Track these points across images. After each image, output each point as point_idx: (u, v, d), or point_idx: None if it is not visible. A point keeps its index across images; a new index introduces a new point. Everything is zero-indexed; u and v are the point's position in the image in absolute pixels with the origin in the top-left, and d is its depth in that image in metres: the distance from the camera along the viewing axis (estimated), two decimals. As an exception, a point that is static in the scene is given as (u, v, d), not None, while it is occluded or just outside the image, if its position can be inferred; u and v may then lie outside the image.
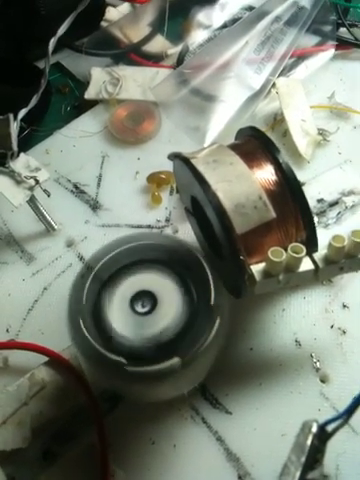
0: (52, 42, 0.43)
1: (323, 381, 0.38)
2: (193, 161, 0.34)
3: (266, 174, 0.33)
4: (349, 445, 0.35)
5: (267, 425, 0.37)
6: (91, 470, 0.35)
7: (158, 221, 0.46)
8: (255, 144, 0.35)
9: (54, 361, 0.38)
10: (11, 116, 0.40)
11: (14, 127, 0.40)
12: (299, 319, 0.40)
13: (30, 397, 0.37)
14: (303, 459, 0.22)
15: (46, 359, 0.39)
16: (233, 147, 0.35)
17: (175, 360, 0.30)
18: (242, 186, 0.32)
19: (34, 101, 0.42)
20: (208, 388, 0.38)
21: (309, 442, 0.22)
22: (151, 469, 0.36)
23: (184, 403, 0.37)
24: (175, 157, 0.36)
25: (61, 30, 0.43)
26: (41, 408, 0.37)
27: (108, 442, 0.36)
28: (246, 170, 0.33)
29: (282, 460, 0.35)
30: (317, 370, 0.38)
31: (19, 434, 0.36)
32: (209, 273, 0.32)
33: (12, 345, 0.40)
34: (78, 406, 0.37)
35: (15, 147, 0.40)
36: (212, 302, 0.31)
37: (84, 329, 0.31)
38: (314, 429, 0.23)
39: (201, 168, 0.33)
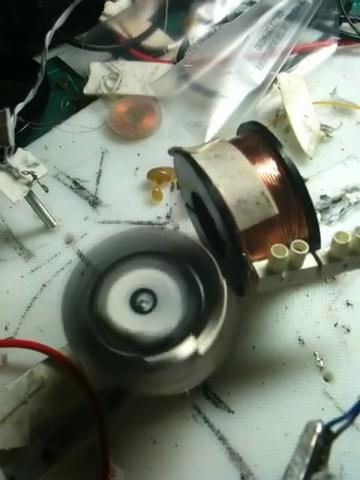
0: (49, 35, 0.42)
1: (327, 380, 0.37)
2: (194, 156, 0.33)
3: (268, 169, 0.33)
4: (354, 445, 0.34)
5: (270, 424, 0.36)
6: (91, 470, 0.35)
7: (159, 218, 0.45)
8: (257, 139, 0.34)
9: (53, 359, 0.38)
10: (8, 110, 0.39)
11: (11, 121, 0.39)
12: (302, 317, 0.40)
13: (29, 396, 0.37)
14: (307, 460, 0.21)
15: (45, 357, 0.38)
16: (235, 142, 0.35)
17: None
18: (244, 182, 0.32)
19: (31, 95, 0.41)
20: (210, 387, 0.37)
21: (313, 443, 0.22)
22: (152, 468, 0.35)
23: (186, 402, 0.37)
24: (175, 152, 0.36)
25: (58, 23, 0.43)
26: (40, 407, 0.36)
27: (109, 441, 0.35)
28: (248, 165, 0.32)
29: (285, 460, 0.34)
30: (321, 369, 0.37)
31: (18, 433, 0.36)
32: (218, 268, 0.31)
33: (11, 343, 0.40)
34: (78, 405, 0.37)
35: (12, 142, 0.40)
36: (221, 297, 0.30)
37: (90, 327, 0.30)
38: (319, 429, 0.22)
39: (202, 163, 0.32)
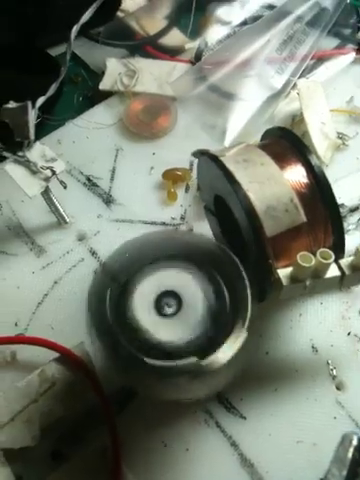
0: (75, 30, 0.41)
1: (339, 389, 0.37)
2: (222, 159, 0.33)
3: (297, 176, 0.32)
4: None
5: (282, 431, 0.36)
6: (101, 471, 0.35)
7: (173, 218, 0.45)
8: (285, 145, 0.34)
9: (64, 358, 0.37)
10: (29, 104, 0.38)
11: (32, 115, 0.39)
12: (316, 325, 0.40)
13: (40, 394, 0.36)
14: (344, 473, 0.21)
15: (55, 355, 0.38)
16: (262, 147, 0.35)
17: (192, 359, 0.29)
18: (273, 188, 0.32)
19: (53, 89, 0.40)
20: (223, 392, 0.37)
21: (350, 455, 0.21)
22: (162, 472, 0.35)
23: (198, 406, 0.37)
24: (201, 154, 0.35)
25: (84, 17, 0.42)
26: (51, 406, 0.36)
27: (120, 442, 0.35)
28: (277, 172, 0.32)
29: (297, 467, 0.35)
30: (333, 377, 0.37)
31: (28, 432, 0.35)
32: (244, 275, 0.30)
33: (21, 340, 0.39)
34: (89, 405, 0.36)
35: (32, 136, 0.39)
36: (249, 305, 0.30)
37: (111, 324, 0.29)
38: (355, 442, 0.22)
39: (231, 167, 0.32)
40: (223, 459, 0.35)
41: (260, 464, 0.35)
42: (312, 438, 0.35)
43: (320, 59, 0.52)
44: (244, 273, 0.30)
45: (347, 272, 0.32)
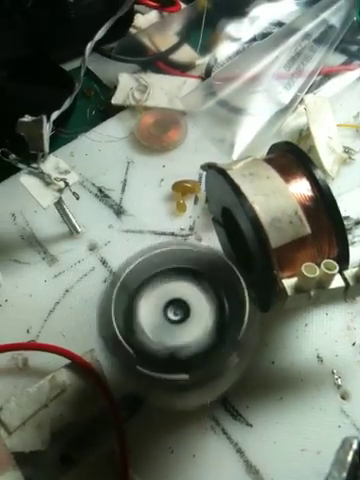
0: (89, 47, 0.43)
1: (344, 398, 0.38)
2: (229, 173, 0.34)
3: (302, 189, 0.33)
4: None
5: (287, 439, 0.36)
6: (108, 476, 0.35)
7: (182, 229, 0.46)
8: (291, 159, 0.35)
9: (75, 364, 0.38)
10: (44, 118, 0.40)
11: (47, 128, 0.40)
12: (321, 335, 0.40)
13: (51, 399, 0.37)
14: (344, 475, 0.22)
15: (66, 362, 0.38)
16: (268, 161, 0.36)
17: (183, 376, 0.30)
18: (278, 200, 0.32)
19: (67, 104, 0.42)
20: (229, 400, 0.38)
21: (350, 458, 0.22)
22: (169, 478, 0.36)
23: (205, 413, 0.37)
24: (209, 167, 0.37)
25: (99, 35, 0.44)
26: (61, 411, 0.37)
27: (128, 448, 0.35)
28: (283, 185, 0.33)
29: (302, 475, 0.35)
30: (338, 387, 0.38)
31: (38, 436, 0.36)
32: (244, 286, 0.32)
33: (33, 346, 0.40)
34: (98, 411, 0.37)
35: (47, 148, 0.40)
36: (245, 318, 0.31)
37: (116, 328, 0.30)
38: (355, 446, 0.23)
39: (238, 180, 0.33)
40: (229, 466, 0.36)
41: (265, 471, 0.36)
42: (317, 446, 0.36)
43: (327, 75, 0.53)
44: (242, 281, 0.31)
45: (351, 283, 0.33)
